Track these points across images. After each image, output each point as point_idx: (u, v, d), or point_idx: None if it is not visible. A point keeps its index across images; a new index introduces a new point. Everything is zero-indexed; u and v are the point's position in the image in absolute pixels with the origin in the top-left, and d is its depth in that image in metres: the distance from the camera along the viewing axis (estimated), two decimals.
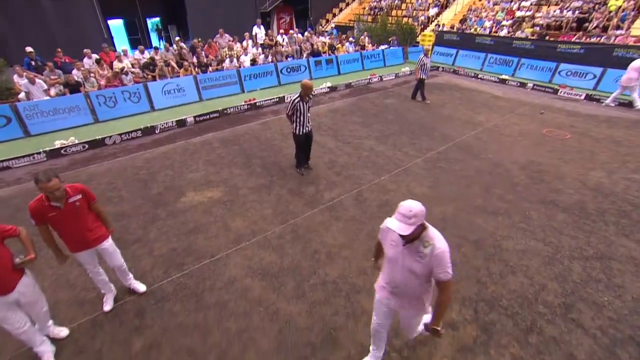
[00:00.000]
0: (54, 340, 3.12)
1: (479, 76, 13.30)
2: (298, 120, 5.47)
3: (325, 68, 13.20)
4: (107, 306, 3.48)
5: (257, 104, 9.68)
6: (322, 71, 13.07)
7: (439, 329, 2.24)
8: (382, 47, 15.81)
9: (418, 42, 17.42)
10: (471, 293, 3.59)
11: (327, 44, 14.88)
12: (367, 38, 16.43)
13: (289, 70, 12.19)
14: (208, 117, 8.81)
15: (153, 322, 3.33)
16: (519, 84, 12.12)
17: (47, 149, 7.32)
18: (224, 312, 3.38)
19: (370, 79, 12.62)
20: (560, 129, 8.06)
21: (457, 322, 3.28)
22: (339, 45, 15.21)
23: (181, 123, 8.44)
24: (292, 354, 2.97)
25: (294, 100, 5.31)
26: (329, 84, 11.40)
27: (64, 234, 3.01)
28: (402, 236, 2.01)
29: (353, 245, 4.23)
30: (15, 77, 9.23)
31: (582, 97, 10.65)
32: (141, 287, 3.64)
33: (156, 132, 8.14)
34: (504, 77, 12.74)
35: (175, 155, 6.75)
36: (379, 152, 6.78)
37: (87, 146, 7.50)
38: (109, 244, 3.26)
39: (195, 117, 8.63)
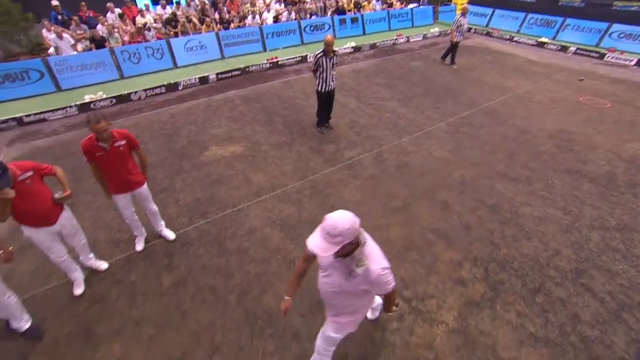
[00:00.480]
0: (90, 270, 3.49)
1: (515, 39, 12.38)
2: (321, 76, 5.40)
3: (350, 27, 12.61)
4: (139, 246, 3.80)
5: (280, 62, 9.52)
6: (346, 30, 12.51)
7: (391, 313, 2.21)
8: (411, 5, 14.82)
9: (450, 1, 16.19)
10: (483, 254, 3.66)
11: (352, 2, 14.09)
12: None
13: (312, 28, 11.75)
14: (230, 74, 8.79)
15: (180, 262, 3.63)
16: (559, 48, 11.23)
17: (78, 103, 7.62)
18: (245, 258, 3.63)
19: (396, 39, 12.02)
20: (600, 97, 7.55)
21: (467, 280, 3.38)
22: (365, 2, 14.36)
23: (204, 80, 8.49)
24: (307, 298, 3.19)
25: (317, 55, 5.23)
26: (352, 44, 10.97)
27: (108, 174, 3.24)
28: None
29: (370, 202, 4.34)
30: (44, 32, 9.39)
31: (633, 62, 9.80)
32: (171, 235, 3.91)
33: (179, 88, 8.24)
34: (543, 39, 11.80)
35: (199, 112, 6.88)
36: (401, 115, 6.64)
37: (114, 101, 7.73)
38: (144, 188, 3.50)
39: (217, 74, 8.64)
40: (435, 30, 13.16)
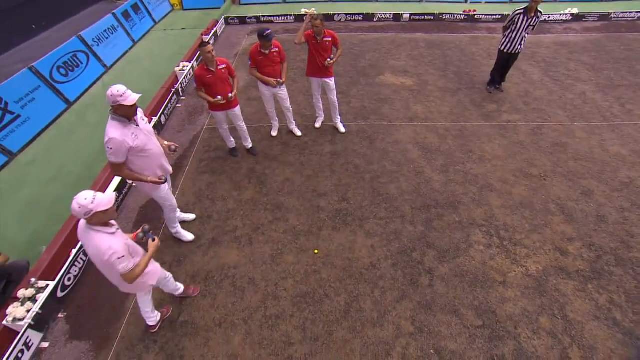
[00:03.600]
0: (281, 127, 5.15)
1: None
2: (510, 35, 5.35)
3: None
4: (318, 124, 5.27)
5: (476, 16, 9.19)
6: None
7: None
8: None
9: None
10: (605, 245, 3.61)
11: None
12: None
13: None
14: (423, 17, 9.16)
15: (339, 142, 4.96)
16: None
17: (294, 13, 9.56)
18: (385, 157, 4.66)
19: None
20: None
21: (569, 253, 3.51)
22: None
23: (397, 17, 9.18)
24: (420, 199, 4.06)
25: (516, 11, 5.16)
26: (574, 10, 9.31)
27: (311, 59, 4.49)
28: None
29: (507, 160, 4.60)
30: None
31: None
32: (342, 129, 5.13)
33: (374, 20, 9.22)
34: None
35: (384, 43, 7.78)
36: (589, 99, 5.94)
37: (321, 17, 9.33)
38: (332, 81, 4.62)
39: (410, 14, 9.15)
40: None
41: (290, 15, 9.56)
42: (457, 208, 3.96)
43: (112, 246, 2.03)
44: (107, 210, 1.99)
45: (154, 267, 2.64)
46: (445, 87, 6.17)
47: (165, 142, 3.17)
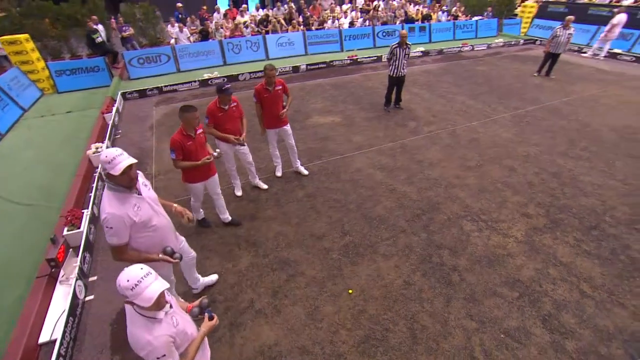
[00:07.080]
0: (246, 184, 4.90)
1: (583, 50, 12.68)
2: (394, 64, 6.73)
3: (418, 35, 13.72)
4: (279, 173, 5.17)
5: (358, 59, 10.90)
6: (414, 38, 13.59)
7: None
8: (476, 18, 15.62)
9: (516, 14, 16.73)
10: (545, 201, 4.57)
11: (421, 12, 15.24)
12: (460, 8, 16.31)
13: (384, 34, 13.05)
14: (317, 66, 10.35)
15: (308, 184, 4.96)
16: (633, 59, 11.40)
17: (199, 79, 9.49)
18: (357, 185, 4.88)
19: (461, 47, 12.93)
20: None
21: (531, 214, 4.32)
22: (433, 13, 15.44)
23: (296, 69, 10.11)
24: (408, 211, 4.36)
25: (393, 45, 6.63)
26: (422, 49, 12.09)
27: (266, 112, 4.58)
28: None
29: (449, 160, 5.43)
30: (169, 27, 11.63)
31: None
32: (304, 172, 5.15)
33: (276, 74, 9.87)
34: (615, 51, 11.94)
35: (295, 91, 8.38)
36: (470, 106, 7.63)
37: (225, 79, 9.52)
38: (288, 127, 4.74)
39: (307, 65, 10.22)
40: (499, 41, 13.86)
41: (195, 82, 9.40)
42: (439, 209, 4.41)
43: (151, 341, 1.58)
44: (146, 306, 1.55)
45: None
46: (369, 117, 7.00)
47: (175, 205, 2.73)
